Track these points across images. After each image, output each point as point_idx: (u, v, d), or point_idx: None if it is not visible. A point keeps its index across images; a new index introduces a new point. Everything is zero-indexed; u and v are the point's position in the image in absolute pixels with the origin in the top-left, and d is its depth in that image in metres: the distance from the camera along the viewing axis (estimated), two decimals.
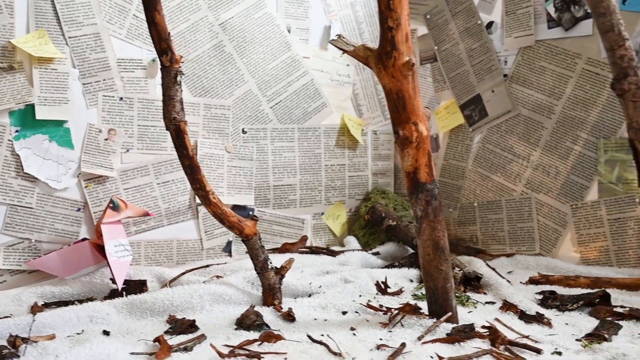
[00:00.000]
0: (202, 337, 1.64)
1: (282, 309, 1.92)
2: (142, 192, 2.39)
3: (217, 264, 2.35)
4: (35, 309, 1.87)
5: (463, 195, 2.95)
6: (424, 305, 1.84)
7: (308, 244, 2.81)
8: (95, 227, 2.22)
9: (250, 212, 2.67)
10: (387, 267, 2.50)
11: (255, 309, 1.89)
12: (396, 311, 1.82)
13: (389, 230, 2.71)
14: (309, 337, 1.64)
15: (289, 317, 1.84)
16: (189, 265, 2.43)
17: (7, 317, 1.77)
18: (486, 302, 2.06)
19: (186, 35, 2.46)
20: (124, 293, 1.96)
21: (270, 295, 1.98)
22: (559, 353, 1.54)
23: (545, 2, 2.60)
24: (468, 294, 2.17)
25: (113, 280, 2.06)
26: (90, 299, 2.02)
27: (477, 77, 2.83)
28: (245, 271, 2.18)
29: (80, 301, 1.95)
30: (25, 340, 1.57)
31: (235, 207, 2.61)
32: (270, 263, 1.97)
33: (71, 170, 2.25)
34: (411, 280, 2.33)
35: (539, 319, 1.82)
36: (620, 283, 2.22)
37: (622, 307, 1.94)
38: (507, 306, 1.96)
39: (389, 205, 2.89)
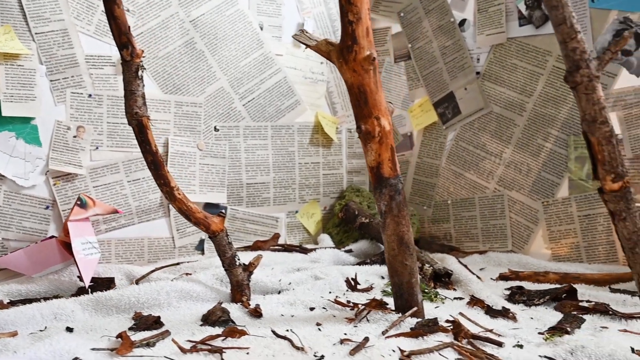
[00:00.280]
0: (166, 333, 1.63)
1: (249, 305, 1.91)
2: (112, 190, 2.37)
3: (188, 262, 2.34)
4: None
5: (437, 193, 2.96)
6: (392, 301, 1.84)
7: (282, 242, 2.80)
8: (63, 224, 2.20)
9: (223, 211, 2.66)
10: (359, 264, 2.50)
11: (223, 305, 1.88)
12: (362, 307, 1.82)
13: (362, 228, 2.71)
14: (273, 332, 1.64)
15: (256, 313, 1.83)
16: (160, 263, 2.41)
17: None
18: (455, 298, 2.07)
19: (156, 32, 2.45)
20: (89, 290, 1.94)
21: (239, 292, 1.97)
22: (521, 346, 1.55)
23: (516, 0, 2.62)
24: (438, 290, 2.18)
25: (81, 278, 2.04)
26: (57, 297, 2.00)
27: (450, 74, 2.84)
28: (215, 268, 2.17)
29: (47, 299, 1.94)
30: None
31: (208, 205, 2.60)
32: (238, 260, 1.97)
33: (39, 168, 2.23)
34: (382, 277, 2.33)
35: (504, 313, 1.82)
36: (589, 279, 2.24)
37: (588, 301, 1.96)
38: (474, 301, 1.97)
39: (363, 203, 2.89)
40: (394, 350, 1.49)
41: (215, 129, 2.62)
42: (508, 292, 2.09)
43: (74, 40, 2.25)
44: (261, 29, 2.72)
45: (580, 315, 1.79)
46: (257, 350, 1.52)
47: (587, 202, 2.49)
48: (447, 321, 1.71)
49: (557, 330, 1.64)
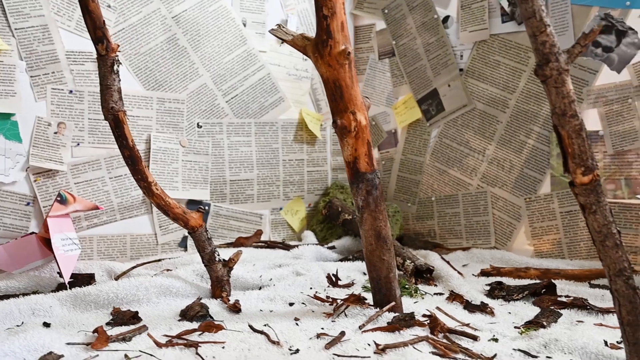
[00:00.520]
0: (143, 328, 1.63)
1: (229, 301, 1.91)
2: (93, 187, 2.37)
3: (170, 258, 2.33)
4: None
5: (421, 190, 2.97)
6: (371, 297, 1.84)
7: (266, 239, 2.80)
8: (44, 221, 2.19)
9: (207, 207, 2.65)
10: (341, 260, 2.51)
11: (203, 301, 1.88)
12: (341, 302, 1.83)
13: (345, 224, 2.71)
14: (250, 326, 1.64)
15: (235, 308, 1.83)
16: (143, 260, 2.40)
17: None
18: (435, 293, 2.08)
19: (138, 28, 2.44)
20: (68, 286, 1.94)
21: (219, 287, 1.97)
22: (496, 340, 1.55)
23: None
24: (419, 285, 2.18)
25: (60, 274, 2.04)
26: (36, 293, 1.99)
27: (434, 71, 2.85)
28: (195, 264, 2.17)
29: (26, 295, 1.93)
30: None
31: (191, 202, 2.60)
32: (218, 255, 1.97)
33: (19, 164, 2.22)
34: (364, 273, 2.33)
35: (482, 308, 1.83)
36: (569, 274, 2.25)
37: (567, 296, 1.97)
38: (454, 296, 1.97)
39: (347, 200, 2.89)
40: (369, 344, 1.50)
41: (198, 126, 2.62)
42: (488, 288, 2.10)
43: (54, 36, 2.25)
44: (244, 25, 2.71)
45: (558, 310, 1.80)
46: (233, 344, 1.52)
47: (568, 198, 2.50)
48: (424, 316, 1.72)
49: (533, 325, 1.65)
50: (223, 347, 1.50)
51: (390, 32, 2.98)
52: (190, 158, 2.60)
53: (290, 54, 2.84)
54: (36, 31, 2.21)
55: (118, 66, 1.60)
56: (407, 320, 1.64)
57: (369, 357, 1.42)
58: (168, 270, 2.16)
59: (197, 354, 1.44)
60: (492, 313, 1.80)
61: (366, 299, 1.83)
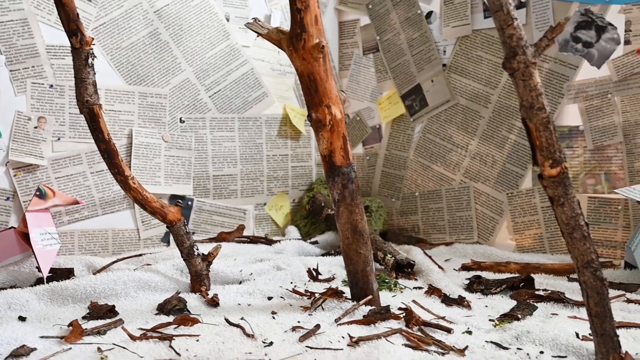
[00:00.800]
0: (119, 322, 1.63)
1: (207, 295, 1.91)
2: (74, 182, 2.36)
3: (151, 253, 2.33)
4: None
5: (405, 185, 2.97)
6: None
7: (250, 234, 2.80)
8: (23, 215, 2.19)
9: (189, 202, 2.65)
10: (323, 255, 2.51)
11: (181, 295, 1.88)
12: (319, 295, 1.83)
13: (328, 219, 2.72)
14: (227, 320, 1.65)
15: (213, 302, 1.84)
16: (125, 255, 2.40)
17: None
18: (414, 287, 2.08)
19: (119, 22, 2.44)
20: (45, 280, 1.93)
21: (198, 281, 1.97)
22: (470, 332, 1.56)
23: None
24: (399, 280, 2.19)
25: (39, 269, 2.03)
26: (14, 288, 1.98)
27: (418, 66, 2.85)
28: (176, 259, 2.16)
29: (3, 289, 1.92)
30: None
31: (174, 197, 2.60)
32: (197, 249, 1.97)
33: None
34: None
35: (459, 301, 1.84)
36: (549, 268, 2.26)
37: (544, 290, 1.98)
38: (432, 290, 1.98)
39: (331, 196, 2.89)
40: (343, 337, 1.50)
41: (181, 121, 2.62)
42: (467, 282, 2.11)
43: (34, 29, 2.24)
44: (227, 20, 2.71)
45: (534, 303, 1.81)
46: (208, 337, 1.52)
47: None
48: (400, 309, 1.72)
49: (507, 317, 1.66)
50: (197, 340, 1.50)
51: (374, 27, 2.99)
52: (173, 153, 2.60)
53: (274, 49, 2.84)
54: (15, 25, 2.20)
55: (93, 59, 1.60)
56: (383, 313, 1.64)
57: (342, 349, 1.43)
58: (148, 264, 2.16)
59: (170, 347, 1.44)
60: (468, 306, 1.81)
61: (344, 293, 1.83)
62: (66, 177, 2.34)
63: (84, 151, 2.37)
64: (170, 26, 2.56)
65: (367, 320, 1.62)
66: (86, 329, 1.55)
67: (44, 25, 2.26)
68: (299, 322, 1.64)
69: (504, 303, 1.87)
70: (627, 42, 2.29)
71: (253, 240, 2.63)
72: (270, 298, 1.91)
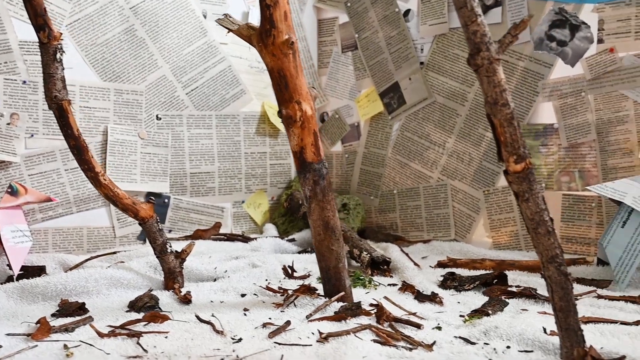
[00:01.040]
0: (88, 319, 1.62)
1: (180, 292, 1.90)
2: (48, 179, 2.34)
3: (125, 251, 2.32)
4: None
5: (383, 183, 2.98)
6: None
7: (228, 232, 2.79)
8: None
9: (166, 200, 2.64)
10: (300, 252, 2.51)
11: (155, 292, 1.87)
12: (291, 292, 1.83)
13: (306, 217, 2.71)
14: (197, 317, 1.64)
15: (185, 299, 1.83)
16: (100, 253, 2.39)
17: None
18: (389, 284, 2.09)
19: (94, 18, 2.42)
20: (15, 278, 1.92)
21: (171, 279, 1.96)
22: (439, 328, 1.57)
23: None
24: (375, 277, 2.19)
25: (10, 267, 2.01)
26: None
27: (395, 64, 2.86)
28: (150, 257, 2.15)
29: None
30: None
31: (150, 195, 2.58)
32: (170, 247, 1.96)
33: None
34: None
35: (432, 298, 1.85)
36: (523, 265, 2.27)
37: (517, 286, 1.99)
38: (406, 287, 1.99)
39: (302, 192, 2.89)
40: (313, 333, 1.50)
41: (158, 118, 2.60)
42: (442, 278, 2.12)
43: (6, 25, 2.21)
44: (205, 17, 2.70)
45: (505, 299, 1.82)
46: (177, 334, 1.52)
47: None
48: (371, 305, 1.73)
49: (477, 313, 1.67)
50: (166, 337, 1.49)
51: (353, 25, 2.99)
52: (149, 150, 2.58)
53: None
54: None
55: (61, 54, 1.59)
56: (354, 310, 1.64)
57: (311, 345, 1.43)
58: (122, 262, 2.15)
59: (138, 343, 1.43)
60: (440, 302, 1.82)
61: (317, 290, 1.83)
62: (40, 174, 2.32)
63: (58, 148, 2.35)
64: (146, 23, 2.54)
65: (337, 317, 1.62)
66: (54, 326, 1.54)
67: (17, 21, 2.24)
68: (270, 318, 1.64)
69: (477, 299, 1.87)
70: (600, 41, 2.31)
71: (230, 237, 2.63)
72: (243, 295, 1.91)
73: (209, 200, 2.77)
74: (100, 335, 1.48)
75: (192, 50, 2.67)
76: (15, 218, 2.06)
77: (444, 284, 2.05)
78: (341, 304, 1.72)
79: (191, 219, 2.72)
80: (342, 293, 1.75)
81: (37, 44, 2.23)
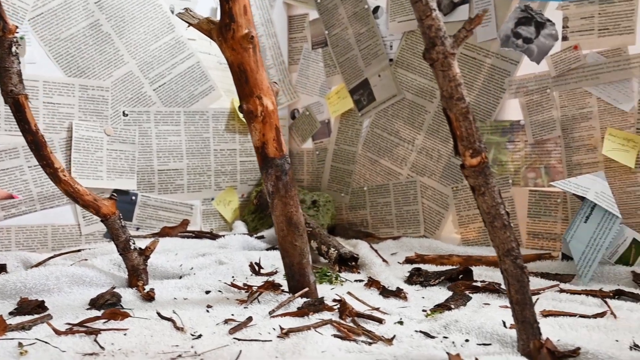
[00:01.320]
0: (47, 317, 1.59)
1: (144, 289, 1.88)
2: (10, 176, 2.30)
3: (89, 249, 2.28)
4: None
5: (354, 180, 2.98)
6: None
7: (197, 229, 2.77)
8: None
9: (133, 197, 2.61)
10: (269, 249, 2.50)
11: (118, 290, 1.85)
12: (255, 289, 1.82)
13: None
14: (158, 314, 1.62)
15: (149, 297, 1.81)
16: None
17: None
18: (355, 280, 2.09)
19: (58, 13, 2.38)
20: None
21: (135, 276, 1.94)
22: (401, 322, 1.57)
23: None
24: (342, 273, 2.19)
25: None
26: None
27: (365, 61, 2.86)
28: (114, 254, 2.12)
29: None
30: None
31: (117, 192, 2.55)
32: (134, 244, 1.94)
33: None
34: None
35: (397, 293, 1.85)
36: (490, 261, 2.29)
37: (482, 281, 2.00)
38: (371, 283, 1.99)
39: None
40: (274, 329, 1.50)
41: (124, 114, 2.58)
42: (408, 274, 2.13)
43: None
44: (172, 12, 2.67)
45: (469, 294, 1.83)
46: (136, 331, 1.50)
47: None
48: (334, 300, 1.73)
49: (440, 308, 1.68)
50: (125, 334, 1.47)
51: (323, 21, 2.99)
52: (116, 147, 2.55)
53: None
54: None
55: (17, 48, 1.56)
56: (316, 305, 1.64)
57: (271, 340, 1.42)
58: (85, 260, 2.12)
59: (95, 341, 1.41)
60: (405, 298, 1.82)
61: (281, 286, 1.83)
62: (2, 172, 2.28)
63: (20, 144, 2.31)
64: (112, 17, 2.51)
65: (300, 312, 1.62)
66: (11, 324, 1.51)
67: None
68: (232, 315, 1.63)
69: (441, 294, 1.88)
70: (564, 38, 2.33)
71: (198, 235, 2.61)
72: (208, 292, 1.89)
73: (177, 197, 2.74)
74: (57, 332, 1.46)
75: (160, 46, 2.65)
76: None
77: (410, 280, 2.06)
78: (305, 299, 1.71)
79: (160, 217, 2.69)
80: (306, 289, 1.74)
81: None
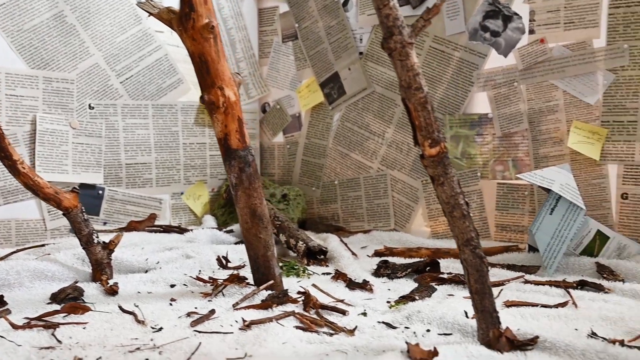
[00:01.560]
0: (6, 312, 1.56)
1: (108, 283, 1.86)
2: None
3: (54, 243, 2.25)
4: None
5: (325, 174, 2.97)
6: None
7: (167, 223, 2.74)
8: None
9: (100, 192, 2.58)
10: (237, 243, 2.48)
11: (81, 284, 1.82)
12: (220, 282, 1.81)
13: None
14: (120, 307, 1.60)
15: (112, 291, 1.79)
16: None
17: None
18: (323, 273, 2.08)
19: (20, 4, 2.33)
20: None
21: (98, 270, 1.91)
22: (365, 314, 1.57)
23: None
24: (310, 266, 2.19)
25: None
26: None
27: (335, 54, 2.85)
28: (78, 248, 2.09)
29: None
30: None
31: (83, 186, 2.51)
32: (97, 237, 1.91)
33: None
34: None
35: (363, 285, 1.85)
36: (457, 253, 2.29)
37: (449, 273, 2.01)
38: (338, 275, 1.99)
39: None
40: (236, 321, 1.49)
41: (90, 107, 2.54)
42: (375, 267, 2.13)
43: None
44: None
45: (434, 286, 1.84)
46: (96, 325, 1.48)
47: (461, 179, 2.56)
48: (298, 292, 1.72)
49: (404, 299, 1.68)
50: (84, 328, 1.45)
51: (293, 14, 2.97)
52: (82, 140, 2.51)
53: None
54: None
55: None
56: (280, 297, 1.63)
57: (232, 332, 1.41)
58: (48, 254, 2.09)
59: (52, 335, 1.39)
60: (371, 290, 1.82)
61: (247, 279, 1.82)
62: None
63: None
64: (76, 9, 2.47)
65: (264, 305, 1.61)
66: None
67: None
68: (196, 308, 1.61)
69: (407, 286, 1.89)
70: (531, 32, 2.35)
71: (166, 229, 2.58)
72: (173, 286, 1.87)
73: (146, 191, 2.71)
74: (14, 327, 1.43)
75: (126, 38, 2.61)
76: None
77: (377, 272, 2.06)
78: (270, 292, 1.70)
79: (128, 211, 2.66)
80: (271, 282, 1.74)
81: None
